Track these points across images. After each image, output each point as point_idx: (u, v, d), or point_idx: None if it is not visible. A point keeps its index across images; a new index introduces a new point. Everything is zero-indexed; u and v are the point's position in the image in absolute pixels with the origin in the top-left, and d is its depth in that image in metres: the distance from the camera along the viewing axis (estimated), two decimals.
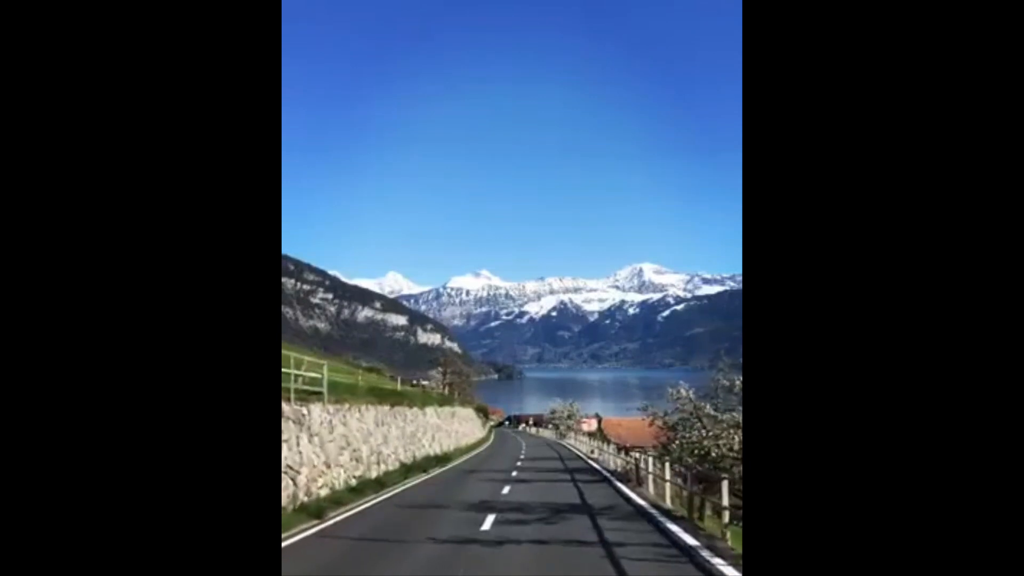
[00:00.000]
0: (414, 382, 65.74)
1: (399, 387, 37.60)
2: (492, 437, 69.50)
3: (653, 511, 13.41)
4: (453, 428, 41.43)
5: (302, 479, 13.84)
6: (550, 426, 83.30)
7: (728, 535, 10.05)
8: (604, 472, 25.39)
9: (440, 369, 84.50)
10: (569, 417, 79.06)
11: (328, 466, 15.75)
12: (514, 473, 24.43)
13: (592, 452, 38.29)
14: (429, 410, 33.49)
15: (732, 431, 14.42)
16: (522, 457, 36.08)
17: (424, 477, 22.41)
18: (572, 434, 68.22)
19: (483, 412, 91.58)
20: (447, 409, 41.77)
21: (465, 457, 35.02)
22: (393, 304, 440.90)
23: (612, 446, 37.51)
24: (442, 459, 29.66)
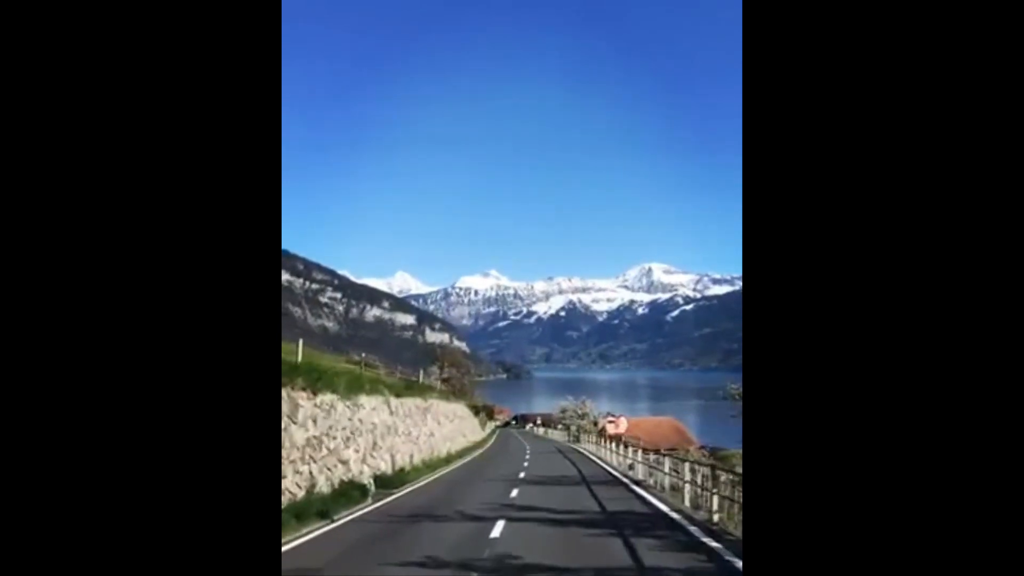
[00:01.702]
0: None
1: (299, 360, 17.09)
2: (492, 440, 57.63)
3: None
4: (426, 430, 28.00)
5: None
6: (560, 426, 75.17)
7: None
8: (680, 521, 11.68)
9: (438, 364, 72.52)
10: (581, 417, 70.07)
11: None
12: (496, 531, 10.62)
13: (630, 468, 24.33)
14: (370, 402, 19.44)
15: None
16: (522, 476, 22.98)
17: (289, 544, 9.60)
18: (586, 436, 55.44)
19: (485, 411, 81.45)
20: (413, 402, 26.81)
21: (431, 477, 22.15)
22: (401, 303, 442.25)
23: (661, 458, 20.00)
24: (390, 481, 17.92)
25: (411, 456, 23.84)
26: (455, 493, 17.33)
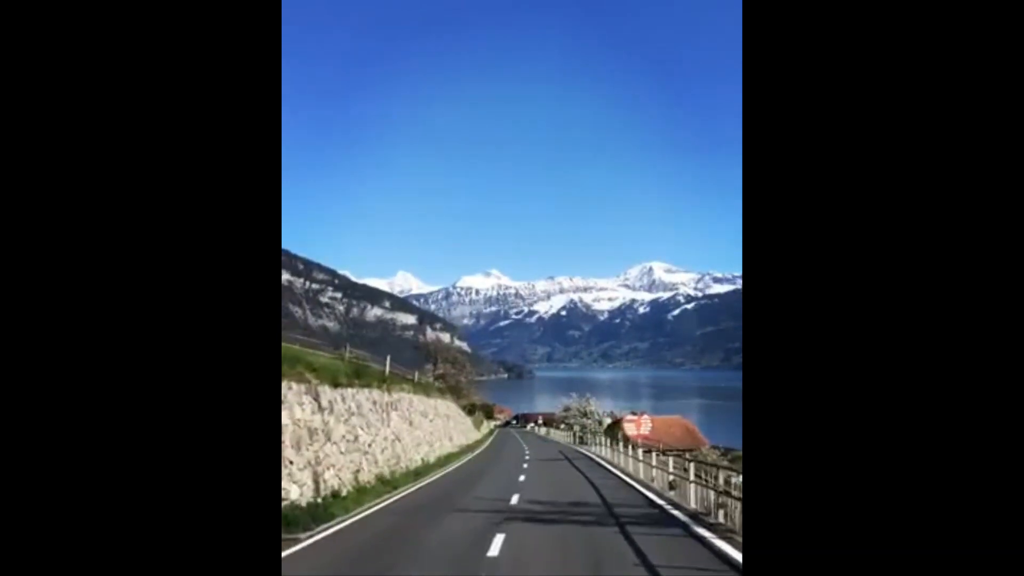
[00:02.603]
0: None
1: None
2: (487, 443, 51.11)
3: None
4: (386, 433, 20.60)
5: None
6: (562, 426, 70.93)
7: None
8: None
9: (431, 360, 66.27)
10: (585, 415, 66.48)
11: None
12: None
13: (671, 488, 15.64)
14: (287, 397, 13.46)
15: None
16: (515, 501, 14.85)
17: None
18: (592, 437, 48.38)
19: (484, 410, 77.39)
20: (366, 395, 19.51)
21: (378, 505, 14.43)
22: (402, 303, 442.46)
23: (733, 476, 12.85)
24: (302, 517, 11.21)
25: (356, 472, 16.20)
26: (392, 547, 9.90)
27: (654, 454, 21.83)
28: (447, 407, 39.27)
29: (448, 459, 30.11)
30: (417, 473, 21.92)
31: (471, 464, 29.96)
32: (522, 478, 21.74)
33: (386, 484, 17.55)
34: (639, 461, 22.24)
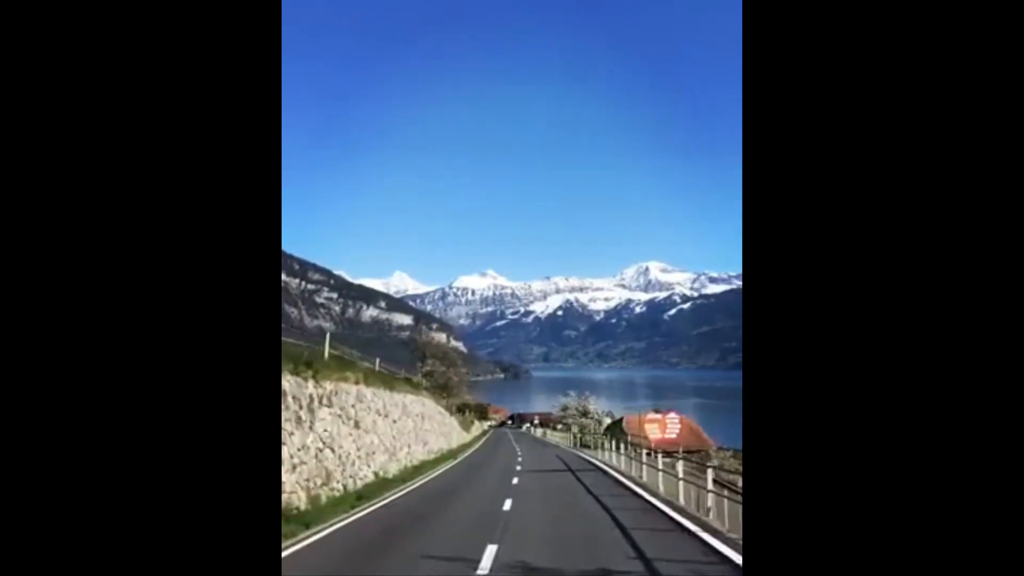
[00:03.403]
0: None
1: None
2: (476, 446, 46.57)
3: None
4: (303, 440, 14.36)
5: None
6: (559, 426, 69.44)
7: None
8: None
9: (417, 355, 60.04)
10: (584, 415, 64.41)
11: None
12: None
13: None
14: None
15: None
16: (482, 573, 7.39)
17: None
18: (592, 439, 43.12)
19: (478, 410, 74.76)
20: (295, 386, 14.48)
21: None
22: (398, 303, 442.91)
23: None
24: None
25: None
26: None
27: (709, 469, 15.21)
28: (423, 404, 32.31)
29: (418, 470, 23.85)
30: (360, 496, 15.50)
31: (445, 477, 23.08)
32: (507, 505, 14.45)
33: (291, 521, 11.32)
34: (677, 478, 15.05)
